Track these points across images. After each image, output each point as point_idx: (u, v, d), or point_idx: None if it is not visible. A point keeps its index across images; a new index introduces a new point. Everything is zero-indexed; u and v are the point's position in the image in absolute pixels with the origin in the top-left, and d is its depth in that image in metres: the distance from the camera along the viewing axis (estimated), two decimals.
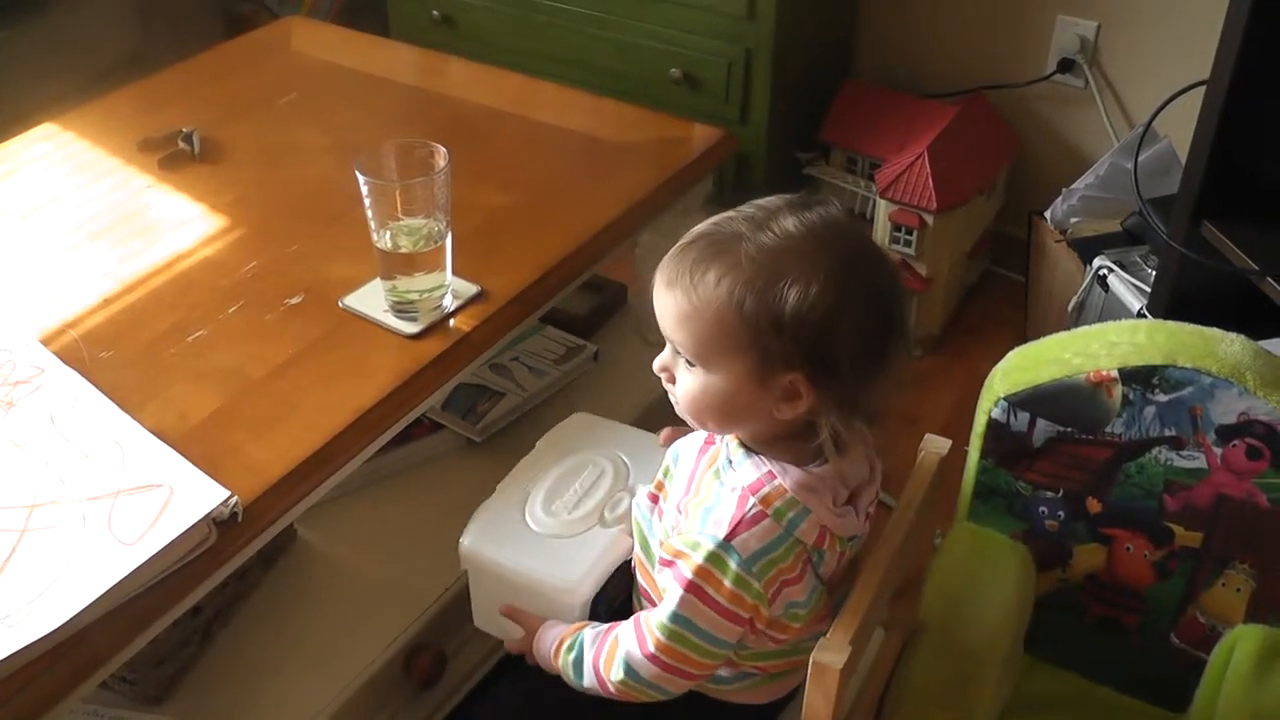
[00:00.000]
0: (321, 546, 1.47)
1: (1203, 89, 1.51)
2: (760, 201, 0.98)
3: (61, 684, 0.95)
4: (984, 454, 1.24)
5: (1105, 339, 1.17)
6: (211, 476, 1.07)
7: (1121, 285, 1.85)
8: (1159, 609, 1.22)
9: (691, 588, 0.97)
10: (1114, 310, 1.85)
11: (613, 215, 1.46)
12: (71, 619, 0.95)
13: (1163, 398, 1.13)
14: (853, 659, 0.94)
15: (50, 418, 1.15)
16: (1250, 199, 1.53)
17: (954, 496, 1.27)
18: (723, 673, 1.08)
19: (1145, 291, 1.80)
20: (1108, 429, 1.17)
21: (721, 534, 0.96)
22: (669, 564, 1.00)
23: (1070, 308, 1.96)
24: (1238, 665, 1.13)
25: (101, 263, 1.40)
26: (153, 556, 0.99)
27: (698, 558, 0.97)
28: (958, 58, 2.34)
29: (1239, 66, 1.44)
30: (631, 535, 1.14)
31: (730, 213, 0.97)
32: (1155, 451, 1.15)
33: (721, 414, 0.98)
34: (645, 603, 1.12)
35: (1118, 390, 1.15)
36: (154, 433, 1.13)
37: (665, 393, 1.04)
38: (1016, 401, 1.19)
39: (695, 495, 1.04)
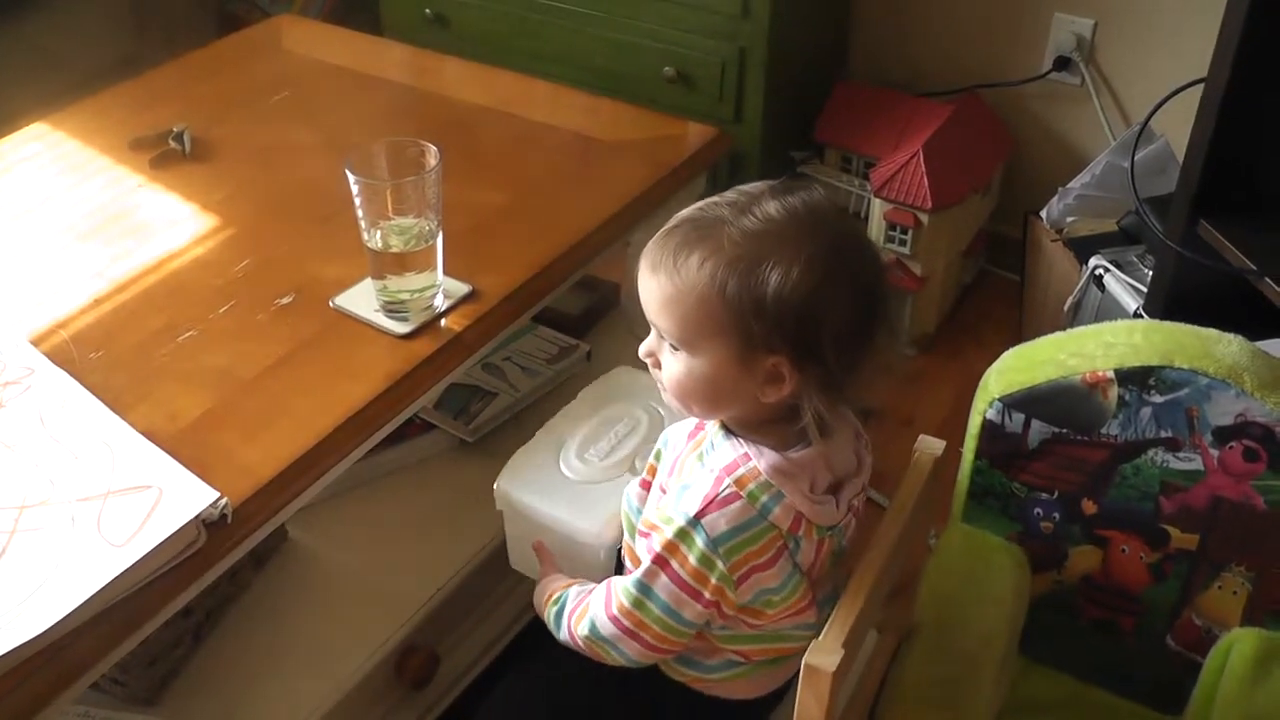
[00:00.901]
0: (313, 547, 1.46)
1: (1200, 87, 1.51)
2: (743, 187, 0.98)
3: (51, 685, 0.94)
4: (979, 455, 1.23)
5: (1101, 339, 1.16)
6: (201, 478, 1.06)
7: (1118, 285, 1.85)
8: (1155, 611, 1.21)
9: (658, 560, 0.99)
10: (1110, 310, 1.84)
11: (606, 214, 1.46)
12: (61, 620, 0.94)
13: (1159, 399, 1.13)
14: (845, 662, 0.93)
15: (40, 419, 1.15)
16: (1248, 198, 1.52)
17: (948, 497, 1.27)
18: (707, 660, 1.09)
19: (1141, 291, 1.79)
20: (1103, 430, 1.16)
21: (693, 511, 0.97)
22: (645, 535, 1.03)
23: (1066, 307, 1.96)
24: (1234, 668, 1.13)
25: (92, 262, 1.39)
26: (142, 558, 0.98)
27: (668, 532, 0.98)
28: (953, 56, 2.34)
29: (1237, 65, 1.43)
30: None
31: (714, 198, 0.98)
32: (1151, 453, 1.15)
33: (706, 397, 0.99)
34: None
35: (1114, 391, 1.14)
36: (144, 434, 1.12)
37: None
38: (1011, 402, 1.19)
39: (678, 476, 1.06)
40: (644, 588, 1.01)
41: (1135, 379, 1.13)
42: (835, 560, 1.06)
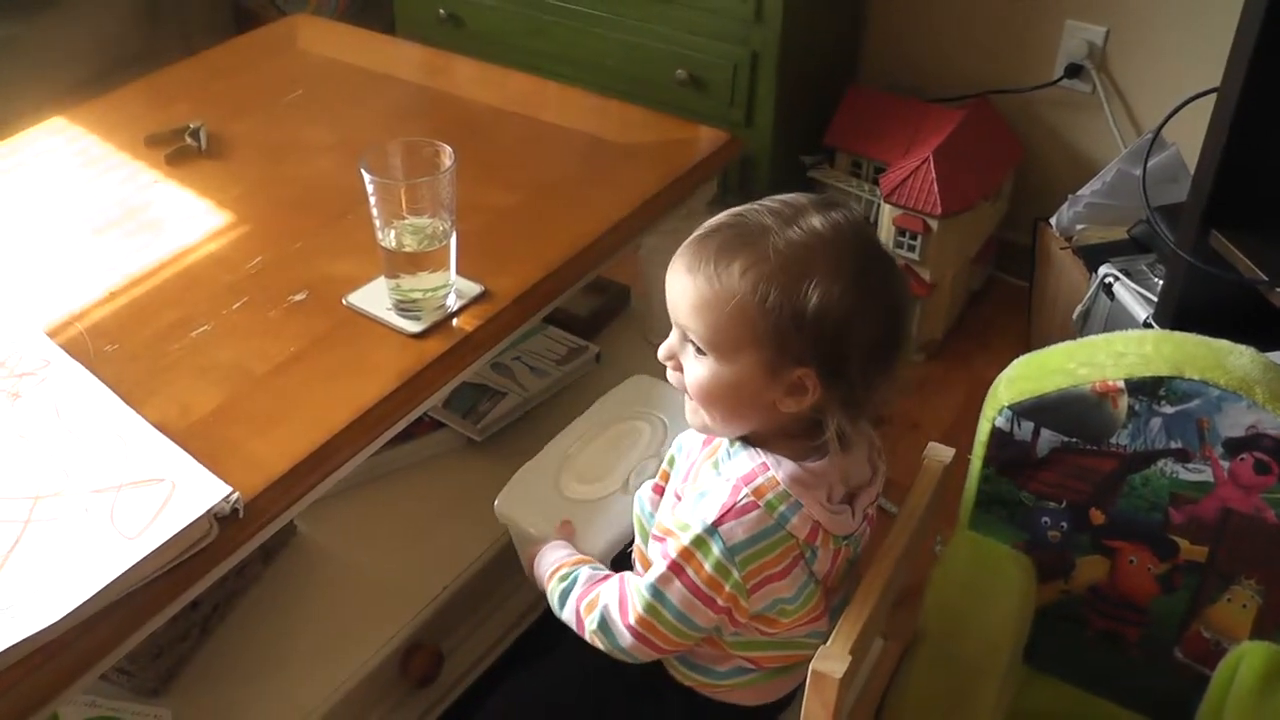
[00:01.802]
0: (321, 542, 1.47)
1: (1212, 97, 1.51)
2: (783, 197, 0.99)
3: (62, 675, 0.95)
4: (987, 462, 1.23)
5: (1112, 349, 1.16)
6: (213, 471, 1.07)
7: (1127, 294, 1.85)
8: (1162, 623, 1.21)
9: (674, 566, 1.00)
10: (1120, 319, 1.84)
11: (617, 217, 1.46)
12: (73, 611, 0.95)
13: (1169, 409, 1.12)
14: (852, 668, 0.94)
15: (55, 410, 1.15)
16: (1260, 208, 1.52)
17: (955, 504, 1.27)
18: (718, 667, 1.09)
19: (1152, 300, 1.79)
20: (1113, 440, 1.16)
21: (711, 519, 0.97)
22: (660, 540, 1.03)
23: (1075, 315, 1.96)
24: (1242, 682, 1.13)
25: (107, 256, 1.40)
26: (154, 550, 0.99)
27: (685, 538, 0.99)
28: (964, 62, 2.34)
29: (1250, 75, 1.43)
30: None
31: (754, 205, 0.98)
32: (1161, 464, 1.15)
33: (727, 403, 0.99)
34: None
35: (1123, 401, 1.14)
36: (157, 427, 1.13)
37: None
38: (1021, 410, 1.19)
39: (693, 482, 1.06)
40: (657, 592, 1.01)
41: (1145, 389, 1.13)
42: (849, 568, 1.06)
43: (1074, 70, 2.22)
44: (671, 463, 1.12)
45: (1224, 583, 1.16)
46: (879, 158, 2.24)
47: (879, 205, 2.16)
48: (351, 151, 1.27)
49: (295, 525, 1.46)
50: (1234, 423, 1.10)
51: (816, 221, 0.95)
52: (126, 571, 0.98)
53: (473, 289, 1.31)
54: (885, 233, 2.13)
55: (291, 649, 1.36)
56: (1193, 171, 1.58)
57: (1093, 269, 1.94)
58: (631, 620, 1.03)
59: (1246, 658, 1.14)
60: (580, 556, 1.14)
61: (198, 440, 1.11)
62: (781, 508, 0.97)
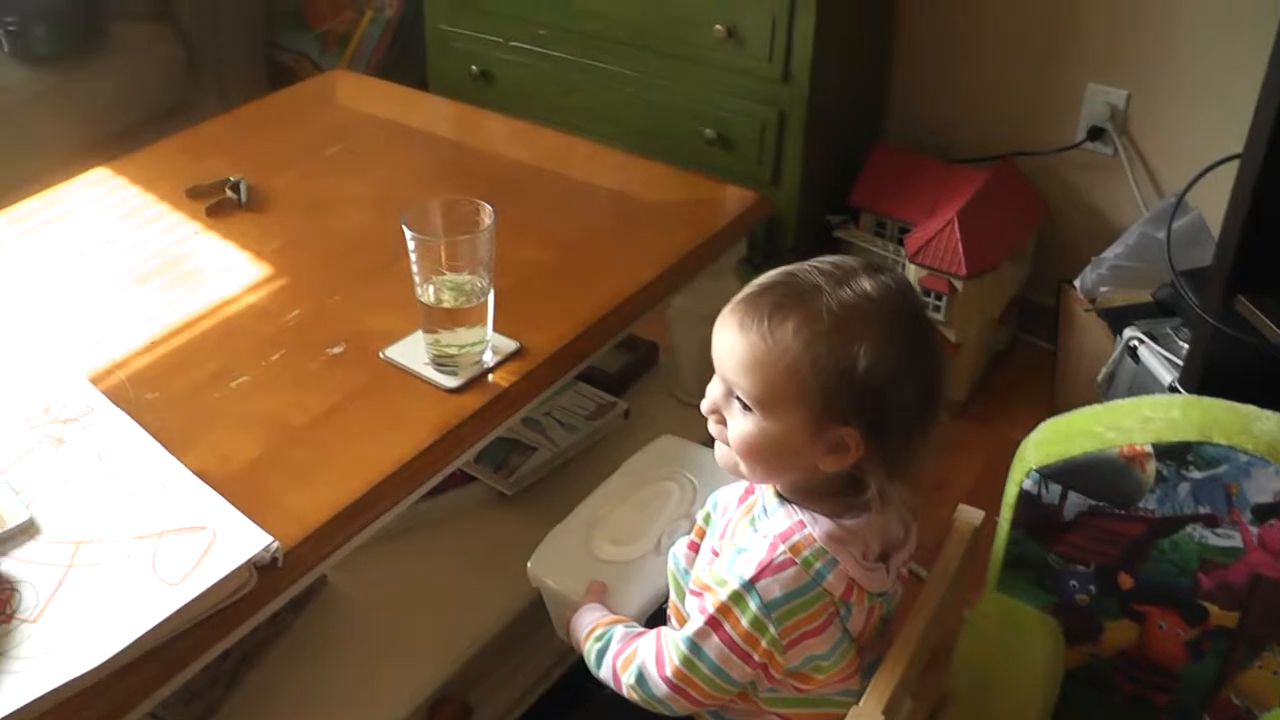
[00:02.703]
0: (351, 593, 1.48)
1: (1236, 161, 1.52)
2: (831, 259, 1.01)
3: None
4: (1015, 524, 1.24)
5: (1139, 413, 1.17)
6: (253, 521, 1.08)
7: (1152, 357, 1.85)
8: (1192, 689, 1.21)
9: (711, 621, 1.00)
10: (1144, 382, 1.85)
11: (649, 276, 1.48)
12: (114, 656, 0.97)
13: (1197, 474, 1.13)
14: None
15: (98, 455, 1.17)
16: None
17: (984, 566, 1.27)
18: None
19: (1176, 364, 1.80)
20: (1141, 504, 1.17)
21: (748, 575, 0.99)
22: (697, 594, 1.04)
23: (1100, 378, 1.97)
24: None
25: (149, 306, 1.43)
26: (196, 598, 1.01)
27: (722, 594, 1.00)
28: (987, 124, 2.36)
29: (1273, 142, 1.44)
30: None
31: (804, 265, 1.00)
32: (1189, 528, 1.15)
33: (769, 459, 1.00)
34: None
35: (1151, 466, 1.15)
36: (197, 475, 1.14)
37: None
38: (1048, 473, 1.20)
39: (730, 539, 1.07)
40: (694, 647, 1.02)
41: (1173, 454, 1.14)
42: (882, 627, 1.07)
43: (1096, 133, 2.24)
44: (707, 520, 1.13)
45: (1254, 649, 1.17)
46: (903, 218, 2.26)
47: (904, 265, 2.17)
48: (389, 206, 1.29)
49: (325, 575, 1.47)
50: (1262, 488, 1.11)
51: (867, 284, 0.97)
52: (168, 617, 1.00)
53: (508, 345, 1.33)
54: None
55: (320, 699, 1.36)
56: (1216, 235, 1.60)
57: (1117, 331, 1.95)
58: (668, 672, 1.04)
59: None
60: (614, 617, 1.15)
61: (237, 489, 1.13)
62: (818, 565, 0.99)
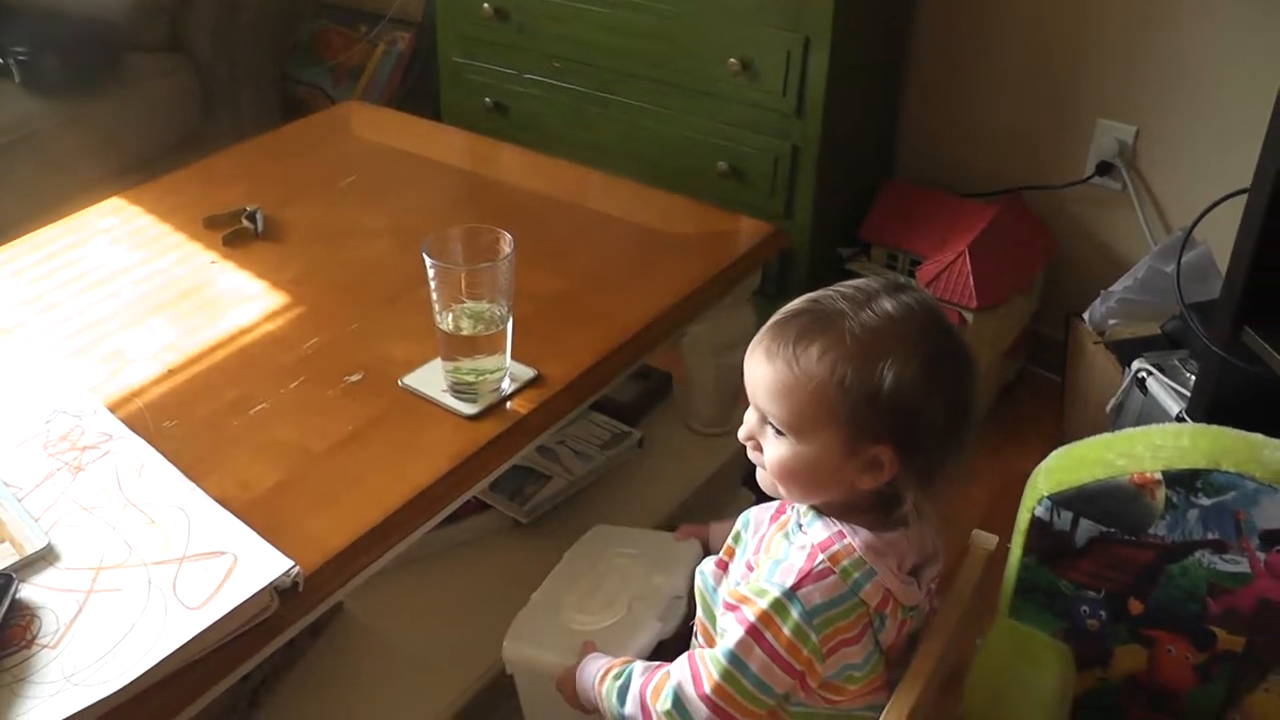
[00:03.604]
0: (367, 619, 1.49)
1: (1243, 195, 1.54)
2: (855, 282, 1.04)
3: None
4: (1026, 551, 1.25)
5: (1149, 441, 1.18)
6: (273, 546, 1.10)
7: (1160, 388, 1.87)
8: (1200, 714, 1.22)
9: (752, 630, 1.01)
10: (1153, 413, 1.86)
11: (664, 307, 1.50)
12: (136, 679, 0.98)
13: (1206, 501, 1.14)
14: None
15: (118, 482, 1.19)
16: None
17: (995, 592, 1.28)
18: None
19: (1184, 395, 1.81)
20: (1150, 531, 1.18)
21: (789, 583, 1.00)
22: (733, 608, 1.04)
23: (1109, 409, 1.98)
24: None
25: (166, 334, 1.44)
26: (217, 622, 1.02)
27: (762, 603, 1.01)
28: (997, 158, 2.39)
29: None
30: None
31: (828, 290, 1.03)
32: (1198, 555, 1.16)
33: (806, 481, 1.03)
34: None
35: (1161, 493, 1.16)
36: (218, 501, 1.16)
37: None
38: (1060, 500, 1.21)
39: (765, 553, 1.08)
40: (736, 660, 1.02)
41: (1183, 481, 1.15)
42: (910, 643, 1.08)
43: (1105, 168, 2.26)
44: (737, 538, 1.15)
45: (1261, 673, 1.17)
46: (915, 250, 2.28)
47: None
48: (405, 236, 1.31)
49: (342, 601, 1.48)
50: (1270, 515, 1.12)
51: (888, 304, 1.00)
52: (189, 641, 1.01)
53: (526, 373, 1.34)
54: None
55: None
56: (1223, 269, 1.61)
57: (1125, 363, 1.97)
58: (707, 689, 1.03)
59: None
60: (624, 659, 1.15)
61: (257, 515, 1.15)
62: (856, 574, 1.01)
